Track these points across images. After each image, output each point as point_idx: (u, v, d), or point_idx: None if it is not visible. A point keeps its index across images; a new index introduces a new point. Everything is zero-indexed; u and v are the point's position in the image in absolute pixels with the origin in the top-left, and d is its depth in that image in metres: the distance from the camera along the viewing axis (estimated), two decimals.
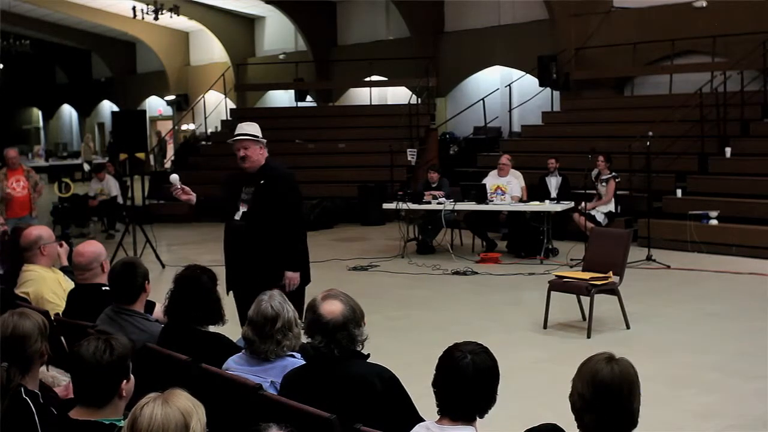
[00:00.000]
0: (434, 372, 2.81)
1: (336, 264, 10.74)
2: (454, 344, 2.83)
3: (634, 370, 2.56)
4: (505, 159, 11.73)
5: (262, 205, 5.37)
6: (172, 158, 23.00)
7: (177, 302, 3.94)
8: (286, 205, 5.40)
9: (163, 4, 21.37)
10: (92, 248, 4.84)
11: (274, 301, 3.56)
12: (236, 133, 5.47)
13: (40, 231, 5.29)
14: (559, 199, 11.43)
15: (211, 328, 4.03)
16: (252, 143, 5.41)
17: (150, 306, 4.49)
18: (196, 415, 2.28)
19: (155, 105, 28.85)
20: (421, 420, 2.98)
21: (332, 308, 3.23)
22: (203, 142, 20.71)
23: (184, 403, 2.29)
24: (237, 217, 5.44)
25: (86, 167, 25.60)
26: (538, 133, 16.08)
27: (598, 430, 2.51)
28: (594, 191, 11.60)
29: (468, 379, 2.71)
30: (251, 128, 5.47)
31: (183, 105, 26.12)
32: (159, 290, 4.09)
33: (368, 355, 3.30)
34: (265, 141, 5.47)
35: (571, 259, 10.26)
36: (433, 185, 11.79)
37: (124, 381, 2.77)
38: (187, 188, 5.59)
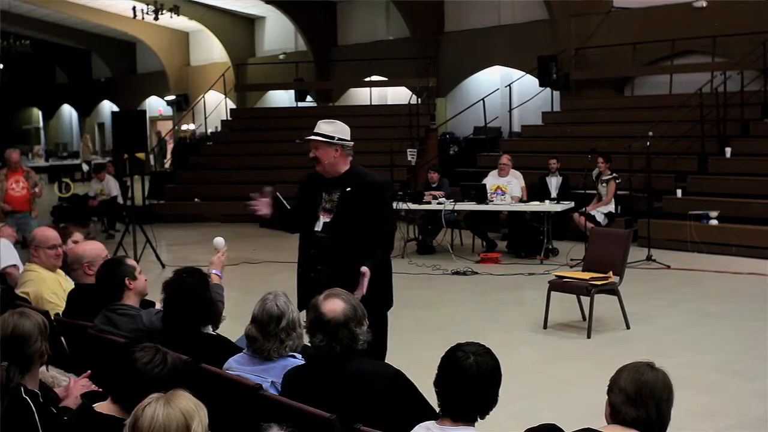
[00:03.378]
0: (436, 371, 2.81)
1: None
2: (457, 344, 2.84)
3: (669, 379, 2.72)
4: (505, 159, 11.73)
5: (347, 215, 4.67)
6: (170, 159, 23.02)
7: (170, 309, 3.94)
8: (377, 219, 4.69)
9: (163, 4, 21.37)
10: (79, 249, 4.87)
11: (279, 299, 3.57)
12: (314, 131, 4.82)
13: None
14: (559, 199, 11.44)
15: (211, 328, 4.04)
16: (323, 144, 4.70)
17: (149, 305, 4.50)
18: (198, 417, 2.28)
19: (155, 105, 28.83)
20: (434, 410, 2.98)
21: (334, 307, 3.24)
22: (208, 143, 20.69)
23: (186, 404, 2.29)
24: (317, 228, 4.76)
25: (85, 167, 25.61)
26: (538, 133, 16.08)
27: (635, 425, 2.61)
28: (594, 191, 11.62)
29: (471, 380, 2.72)
30: (326, 127, 4.77)
31: (183, 105, 26.10)
32: (159, 290, 4.09)
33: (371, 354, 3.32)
34: (342, 144, 4.74)
35: (571, 259, 10.26)
36: (433, 185, 11.79)
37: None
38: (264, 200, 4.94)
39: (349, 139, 4.80)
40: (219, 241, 4.88)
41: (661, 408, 2.64)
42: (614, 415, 2.65)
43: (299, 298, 4.67)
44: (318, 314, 3.24)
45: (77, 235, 5.85)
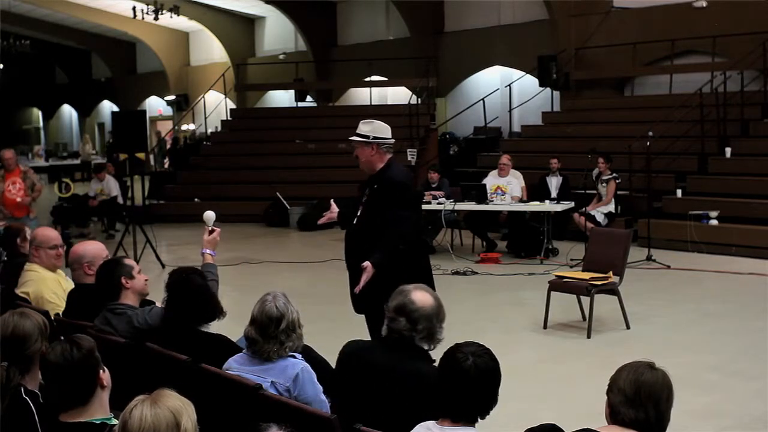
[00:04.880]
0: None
1: (336, 264, 10.69)
2: (456, 345, 2.83)
3: (670, 379, 2.70)
4: (505, 159, 11.73)
5: (373, 208, 5.07)
6: (167, 160, 23.05)
7: (174, 308, 3.94)
8: (387, 216, 4.96)
9: (163, 4, 21.37)
10: (80, 249, 4.89)
11: (278, 301, 3.55)
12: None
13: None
14: (559, 199, 11.44)
15: (214, 325, 4.03)
16: (360, 144, 5.09)
17: (150, 305, 4.50)
18: (186, 413, 2.28)
19: (155, 105, 28.85)
20: None
21: (424, 298, 3.37)
22: (205, 143, 20.71)
23: (173, 402, 2.29)
24: (354, 221, 5.19)
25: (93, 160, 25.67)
26: (538, 133, 16.08)
27: (634, 426, 2.60)
28: (594, 191, 11.62)
29: (470, 381, 2.71)
30: (364, 127, 5.13)
31: (183, 105, 26.12)
32: (159, 290, 4.10)
33: (434, 360, 3.33)
34: (378, 142, 5.07)
35: (571, 259, 10.26)
36: (434, 185, 11.79)
37: (101, 371, 2.81)
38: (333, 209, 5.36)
39: (387, 136, 5.13)
40: (209, 215, 4.88)
41: (660, 409, 2.63)
42: (613, 415, 2.64)
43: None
44: (407, 300, 3.34)
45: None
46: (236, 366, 3.56)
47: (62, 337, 2.97)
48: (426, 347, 3.34)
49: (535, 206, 10.96)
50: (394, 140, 5.20)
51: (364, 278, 4.85)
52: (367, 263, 4.86)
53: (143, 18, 22.38)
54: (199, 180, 17.33)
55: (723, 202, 11.25)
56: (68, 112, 35.78)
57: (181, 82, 27.14)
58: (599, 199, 11.60)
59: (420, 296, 3.37)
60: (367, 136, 5.07)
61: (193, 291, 3.92)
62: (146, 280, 4.42)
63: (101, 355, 2.86)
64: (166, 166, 23.24)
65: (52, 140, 35.61)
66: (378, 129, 5.11)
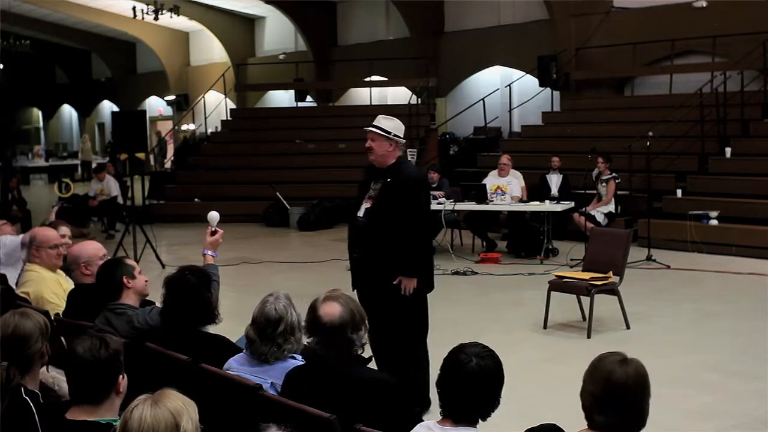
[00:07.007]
0: (438, 372, 2.81)
1: (336, 264, 10.70)
2: (460, 345, 2.82)
3: (644, 370, 2.56)
4: (505, 159, 11.73)
5: (385, 203, 5.13)
6: (172, 158, 23.03)
7: (170, 306, 3.93)
8: (410, 207, 5.10)
9: (163, 4, 21.37)
10: (76, 249, 4.91)
11: (279, 303, 3.52)
12: (372, 123, 5.30)
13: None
14: (559, 197, 11.45)
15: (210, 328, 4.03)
16: (380, 137, 5.20)
17: (149, 305, 4.50)
18: (187, 414, 2.28)
19: (155, 105, 28.84)
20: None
21: (331, 310, 3.22)
22: (205, 143, 20.71)
23: (174, 402, 2.29)
24: (360, 213, 5.23)
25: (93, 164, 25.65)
26: (538, 133, 16.09)
27: (609, 429, 2.51)
28: (594, 191, 11.62)
29: (472, 383, 2.70)
30: (386, 122, 5.26)
31: (183, 105, 26.11)
32: (159, 290, 4.09)
33: (370, 359, 3.30)
34: (398, 140, 5.24)
35: (571, 259, 10.26)
36: (433, 185, 11.77)
37: (120, 377, 2.80)
38: None
39: (403, 136, 5.31)
40: (213, 215, 4.85)
41: (636, 405, 2.52)
42: (588, 419, 2.55)
43: (352, 279, 5.29)
44: (315, 316, 3.24)
45: (64, 229, 5.84)
46: (236, 366, 3.55)
47: (94, 333, 2.95)
48: (352, 353, 3.25)
49: (535, 206, 10.96)
50: (405, 140, 5.37)
51: (409, 289, 5.11)
52: (409, 280, 5.08)
53: (143, 18, 22.38)
54: (199, 180, 17.34)
55: (723, 202, 11.26)
56: (68, 112, 35.77)
57: (181, 82, 27.13)
58: (599, 199, 11.60)
59: (326, 309, 3.22)
60: (389, 132, 5.20)
61: (189, 290, 3.91)
62: (146, 281, 4.42)
63: None
64: (167, 165, 23.22)
65: (52, 140, 35.60)
66: (398, 127, 5.27)
